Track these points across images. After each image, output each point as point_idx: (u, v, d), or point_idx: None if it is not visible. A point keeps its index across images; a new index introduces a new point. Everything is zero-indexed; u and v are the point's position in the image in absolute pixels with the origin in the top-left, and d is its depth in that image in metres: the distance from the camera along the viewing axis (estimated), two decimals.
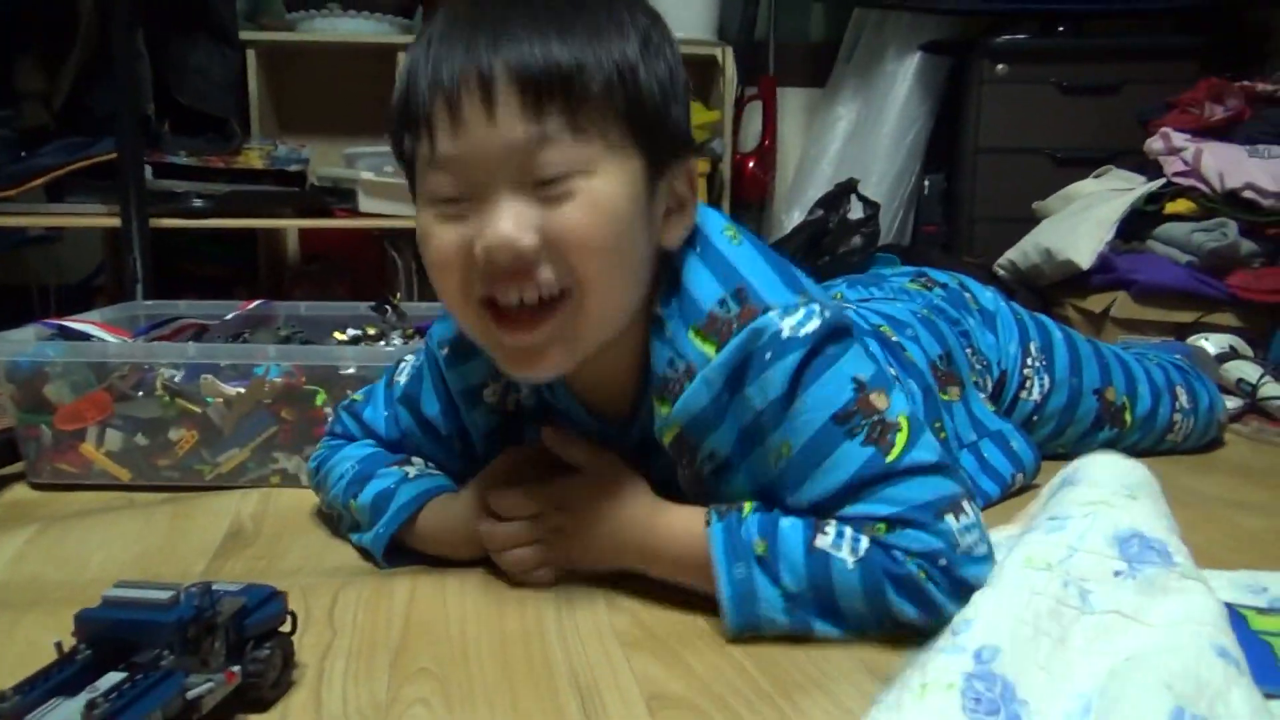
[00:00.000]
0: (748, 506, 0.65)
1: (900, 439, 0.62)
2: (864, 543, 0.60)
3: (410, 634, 0.63)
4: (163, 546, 0.81)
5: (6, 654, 0.61)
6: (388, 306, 1.20)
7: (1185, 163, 1.68)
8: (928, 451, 0.62)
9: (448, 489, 0.75)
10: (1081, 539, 0.56)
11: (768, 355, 0.62)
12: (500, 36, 0.58)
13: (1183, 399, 1.07)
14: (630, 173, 0.61)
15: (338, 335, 1.15)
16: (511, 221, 0.58)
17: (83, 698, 0.46)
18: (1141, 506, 0.59)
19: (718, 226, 0.68)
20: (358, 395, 0.85)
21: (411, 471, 0.77)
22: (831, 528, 0.62)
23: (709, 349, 0.63)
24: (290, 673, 0.57)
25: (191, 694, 0.49)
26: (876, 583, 0.60)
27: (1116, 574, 0.53)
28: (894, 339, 0.87)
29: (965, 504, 0.61)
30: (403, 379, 0.81)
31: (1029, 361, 0.99)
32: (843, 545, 0.61)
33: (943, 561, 0.59)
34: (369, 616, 0.66)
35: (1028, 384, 0.99)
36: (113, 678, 0.48)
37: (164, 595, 0.51)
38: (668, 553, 0.67)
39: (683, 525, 0.66)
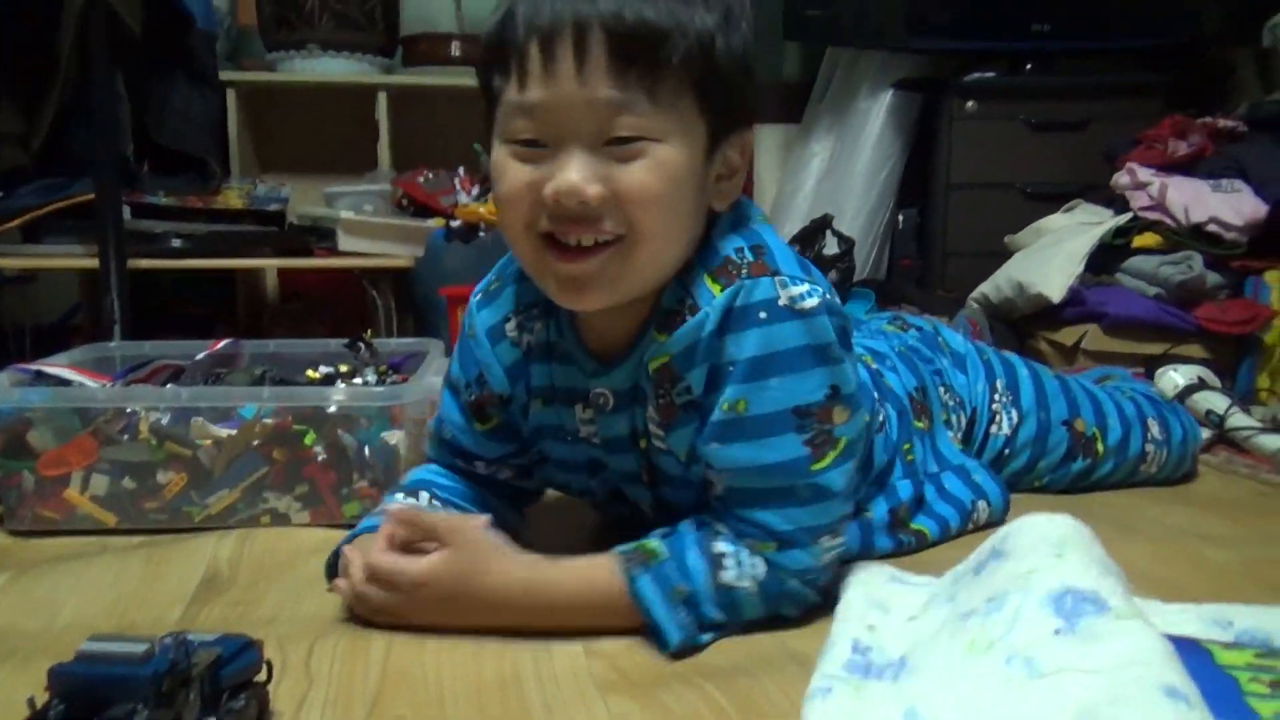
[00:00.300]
0: (656, 549, 0.69)
1: (830, 455, 0.69)
2: (759, 567, 0.68)
3: (387, 683, 0.63)
4: (137, 593, 0.80)
5: None
6: (360, 343, 1.21)
7: (1151, 197, 1.72)
8: (840, 477, 0.70)
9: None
10: (1018, 612, 0.57)
11: (761, 314, 0.67)
12: None
13: (1154, 430, 1.09)
14: (694, 142, 0.66)
15: (310, 373, 1.15)
16: (582, 173, 0.64)
17: None
18: (1069, 561, 0.60)
19: (755, 211, 0.75)
20: None
21: (392, 505, 0.78)
22: (730, 559, 0.68)
23: (716, 289, 0.68)
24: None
25: None
26: (772, 600, 0.70)
27: (1056, 633, 0.54)
28: (874, 366, 0.91)
29: (840, 527, 0.72)
30: None
31: (996, 398, 1.03)
32: (744, 576, 0.68)
33: (811, 576, 0.70)
34: (346, 666, 0.66)
35: (996, 419, 1.02)
36: None
37: (138, 649, 0.51)
38: (561, 605, 0.69)
39: (580, 576, 0.70)
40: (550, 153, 0.65)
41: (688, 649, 0.67)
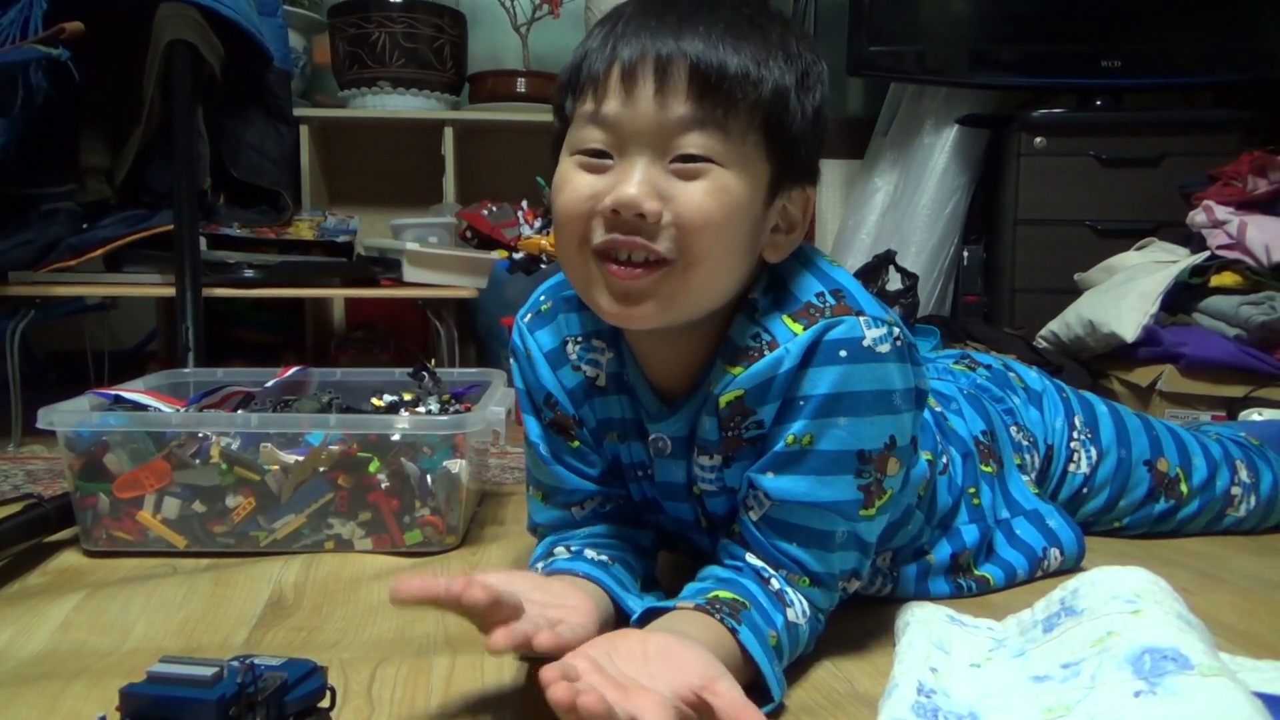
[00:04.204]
0: (738, 596, 0.65)
1: (877, 504, 0.69)
2: (805, 604, 0.69)
3: (448, 711, 0.63)
4: (204, 615, 0.81)
5: None
6: (424, 373, 1.22)
7: (1230, 235, 1.67)
8: (876, 528, 0.71)
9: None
10: (1095, 677, 0.55)
11: (842, 353, 0.66)
12: (683, 33, 0.63)
13: (1243, 473, 1.05)
14: (756, 180, 0.66)
15: (375, 401, 1.17)
16: (644, 185, 0.64)
17: None
18: (1146, 618, 0.58)
19: (823, 256, 0.74)
20: None
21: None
22: (789, 596, 0.68)
23: (797, 329, 0.67)
24: None
25: None
26: (812, 638, 0.70)
27: (1137, 694, 0.52)
28: (938, 409, 0.89)
29: (863, 571, 0.72)
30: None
31: (1075, 435, 1.00)
32: (799, 614, 0.68)
33: (828, 612, 0.71)
34: (407, 692, 0.65)
35: (1075, 457, 1.00)
36: None
37: (207, 672, 0.51)
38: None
39: (710, 638, 0.61)
40: (616, 164, 0.65)
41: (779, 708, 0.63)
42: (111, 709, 0.52)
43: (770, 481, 0.68)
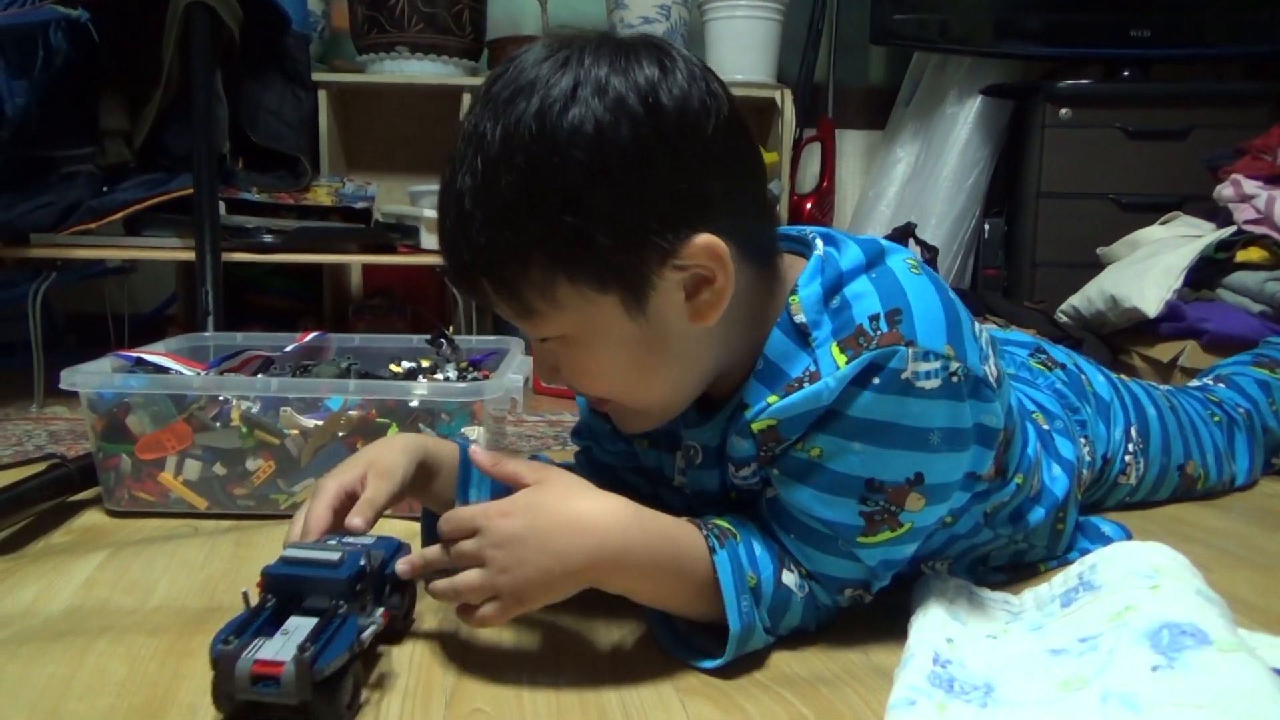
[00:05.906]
0: (731, 528, 0.66)
1: (884, 535, 0.65)
2: (805, 583, 0.68)
3: (467, 675, 0.64)
4: (226, 575, 0.82)
5: (77, 679, 0.62)
6: (442, 339, 1.22)
7: (1257, 210, 1.65)
8: (883, 555, 0.67)
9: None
10: (1113, 651, 0.55)
11: (876, 380, 0.62)
12: (458, 243, 0.62)
13: (1232, 464, 1.10)
14: (604, 314, 0.62)
15: (394, 367, 1.17)
16: (539, 368, 0.69)
17: (282, 641, 0.55)
18: (1165, 593, 0.58)
19: (902, 259, 0.67)
20: None
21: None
22: (790, 560, 0.67)
23: (841, 360, 0.62)
24: (413, 611, 0.69)
25: (364, 634, 0.59)
26: (806, 614, 0.68)
27: (1155, 669, 0.52)
28: (1045, 427, 0.86)
29: (871, 589, 0.69)
30: None
31: (1130, 447, 0.99)
32: (795, 584, 0.67)
33: (832, 606, 0.70)
34: (426, 656, 0.66)
35: (1128, 470, 0.99)
36: (299, 621, 0.57)
37: (334, 555, 0.61)
38: (656, 548, 0.62)
39: (674, 524, 0.64)
40: None
41: (740, 651, 0.63)
42: (133, 664, 0.53)
43: (777, 479, 0.67)
